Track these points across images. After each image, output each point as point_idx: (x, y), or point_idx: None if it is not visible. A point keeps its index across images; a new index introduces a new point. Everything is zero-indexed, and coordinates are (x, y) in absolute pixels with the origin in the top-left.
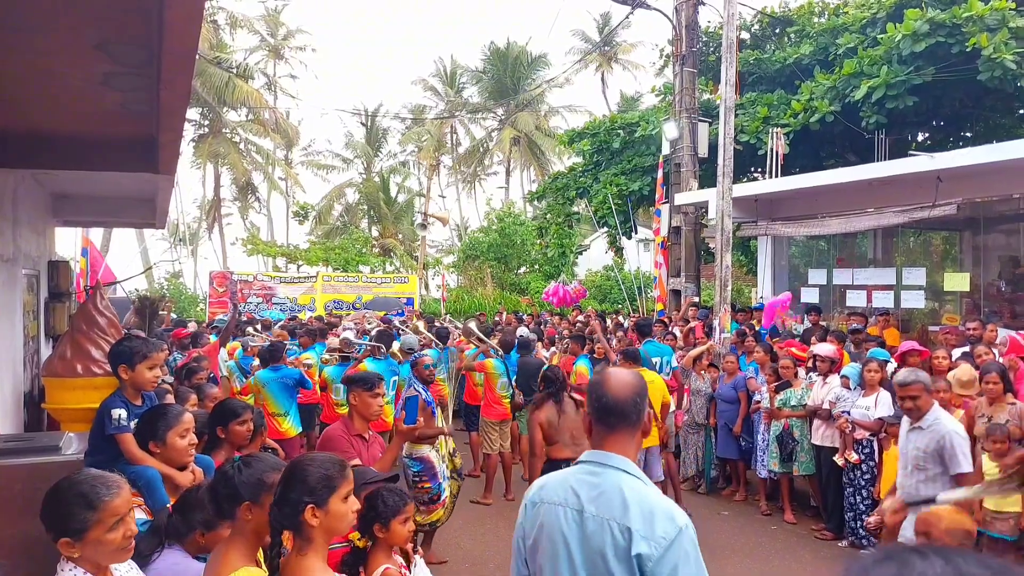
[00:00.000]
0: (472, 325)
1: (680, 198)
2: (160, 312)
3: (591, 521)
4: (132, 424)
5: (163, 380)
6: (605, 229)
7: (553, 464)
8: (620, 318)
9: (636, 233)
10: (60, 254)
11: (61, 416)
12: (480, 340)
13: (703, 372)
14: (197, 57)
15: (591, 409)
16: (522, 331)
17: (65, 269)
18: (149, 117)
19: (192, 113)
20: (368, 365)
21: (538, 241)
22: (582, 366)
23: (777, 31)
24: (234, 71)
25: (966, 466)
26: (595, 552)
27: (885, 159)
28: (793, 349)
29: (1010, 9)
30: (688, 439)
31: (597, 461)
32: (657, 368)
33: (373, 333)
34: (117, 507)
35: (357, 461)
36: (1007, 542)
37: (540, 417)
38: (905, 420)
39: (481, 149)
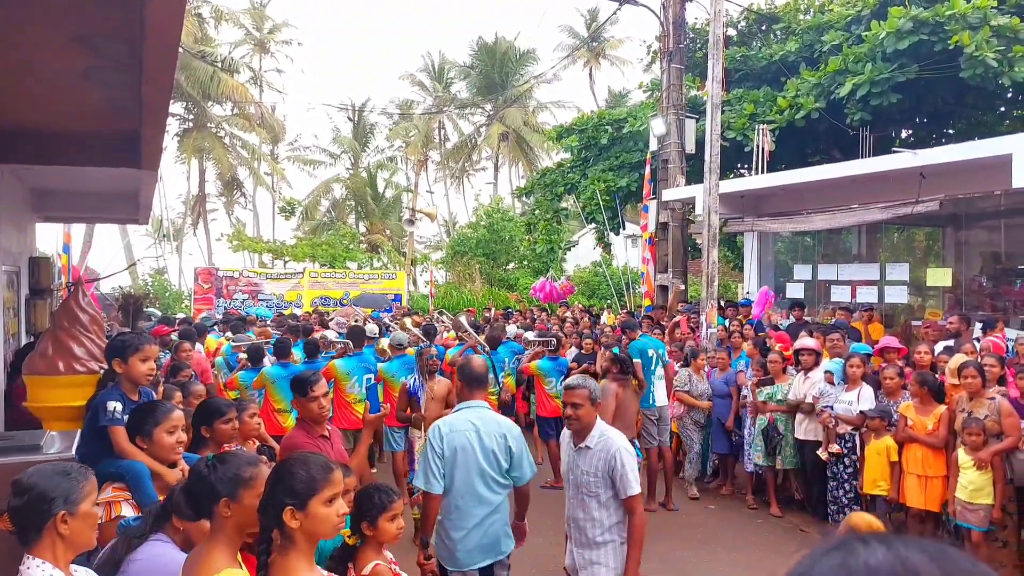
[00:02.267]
0: (463, 319)
1: (667, 194)
2: (145, 309)
3: (484, 435)
4: (126, 418)
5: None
6: (593, 225)
7: None
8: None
9: (624, 229)
10: (41, 250)
11: (42, 415)
12: (467, 335)
13: (701, 372)
14: (181, 51)
15: (463, 379)
16: (511, 328)
17: (46, 265)
18: (132, 112)
19: (176, 107)
20: (339, 364)
21: (526, 237)
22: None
23: (763, 28)
24: (219, 65)
25: (635, 487)
26: (488, 451)
27: (869, 156)
28: (779, 344)
29: (991, 8)
30: (693, 438)
31: (475, 406)
32: (652, 362)
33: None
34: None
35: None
36: (980, 532)
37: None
38: (567, 439)
39: (469, 145)
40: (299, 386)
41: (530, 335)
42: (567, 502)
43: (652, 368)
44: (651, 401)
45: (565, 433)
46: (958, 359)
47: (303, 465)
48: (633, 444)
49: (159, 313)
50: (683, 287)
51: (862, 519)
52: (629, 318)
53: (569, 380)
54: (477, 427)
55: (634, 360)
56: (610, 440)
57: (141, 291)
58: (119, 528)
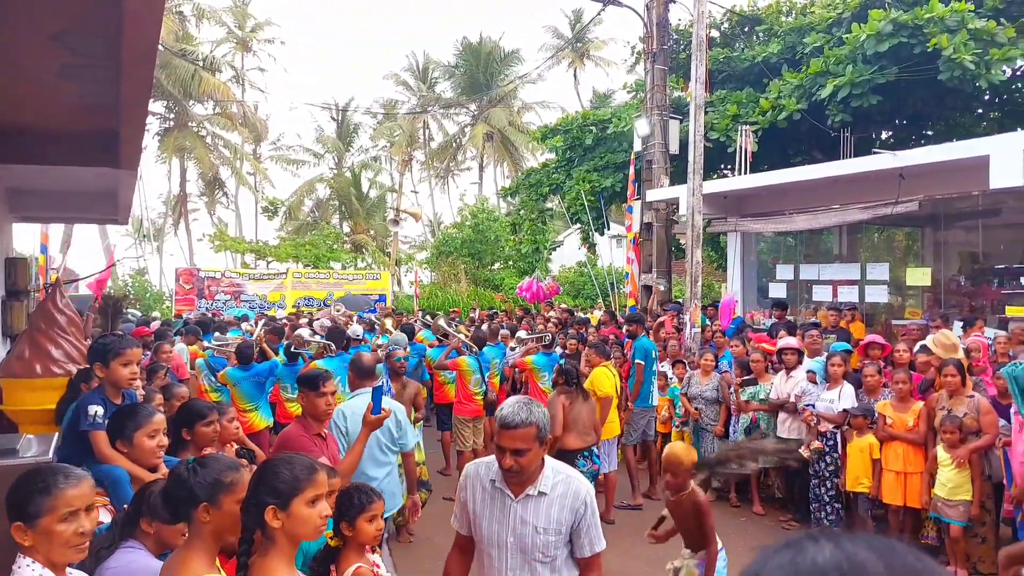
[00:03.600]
0: (441, 322)
1: (651, 195)
2: (124, 311)
3: None
4: (107, 422)
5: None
6: (578, 225)
7: (562, 454)
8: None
9: (609, 229)
10: (19, 251)
11: (19, 418)
12: (446, 336)
13: (709, 375)
14: (161, 49)
15: (354, 371)
16: (509, 332)
17: (23, 266)
18: (110, 110)
19: (156, 106)
20: (319, 364)
21: (512, 237)
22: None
23: (746, 30)
24: (200, 64)
25: (603, 539)
26: (383, 424)
27: (850, 157)
28: (764, 344)
29: (969, 11)
30: (706, 442)
31: (367, 391)
32: (654, 362)
33: (325, 330)
34: (71, 498)
35: (324, 460)
36: (959, 527)
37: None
38: (478, 484)
39: (454, 145)
40: (310, 381)
41: (522, 333)
42: (489, 573)
43: (652, 368)
44: (649, 401)
45: (474, 473)
46: (947, 333)
47: (287, 465)
48: (591, 454)
49: (139, 314)
50: (663, 288)
51: (677, 448)
52: (610, 319)
53: (506, 412)
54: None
55: (637, 361)
56: (574, 481)
57: (120, 292)
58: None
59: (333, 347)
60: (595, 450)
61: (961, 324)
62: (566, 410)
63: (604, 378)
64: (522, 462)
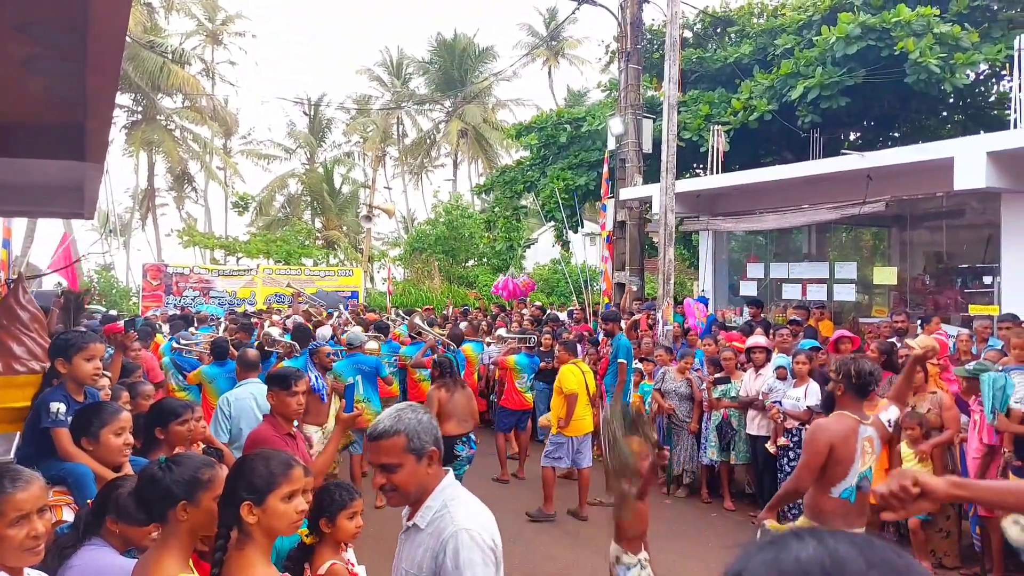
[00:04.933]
0: (416, 320)
1: (625, 193)
2: (86, 306)
3: (258, 398)
4: (70, 419)
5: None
6: (552, 223)
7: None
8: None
9: (583, 227)
10: None
11: None
12: (419, 333)
13: (687, 373)
14: (129, 40)
15: (240, 365)
16: (500, 332)
17: None
18: (76, 103)
19: (124, 99)
20: (285, 365)
21: (486, 234)
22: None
23: (718, 31)
24: (169, 56)
25: None
26: (263, 408)
27: (819, 157)
28: (736, 343)
29: (935, 16)
30: (681, 438)
31: (251, 382)
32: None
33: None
34: (20, 502)
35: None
36: (918, 520)
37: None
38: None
39: (428, 141)
40: (281, 380)
41: (503, 331)
42: None
43: (631, 366)
44: (627, 398)
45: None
46: (924, 339)
47: (263, 461)
48: (469, 439)
49: (103, 310)
50: (636, 286)
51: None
52: (582, 315)
53: (371, 425)
54: (254, 395)
55: (619, 360)
56: (447, 518)
57: (84, 287)
58: (57, 535)
59: (298, 347)
60: (472, 436)
61: (919, 322)
62: (443, 401)
63: (570, 375)
64: (395, 480)
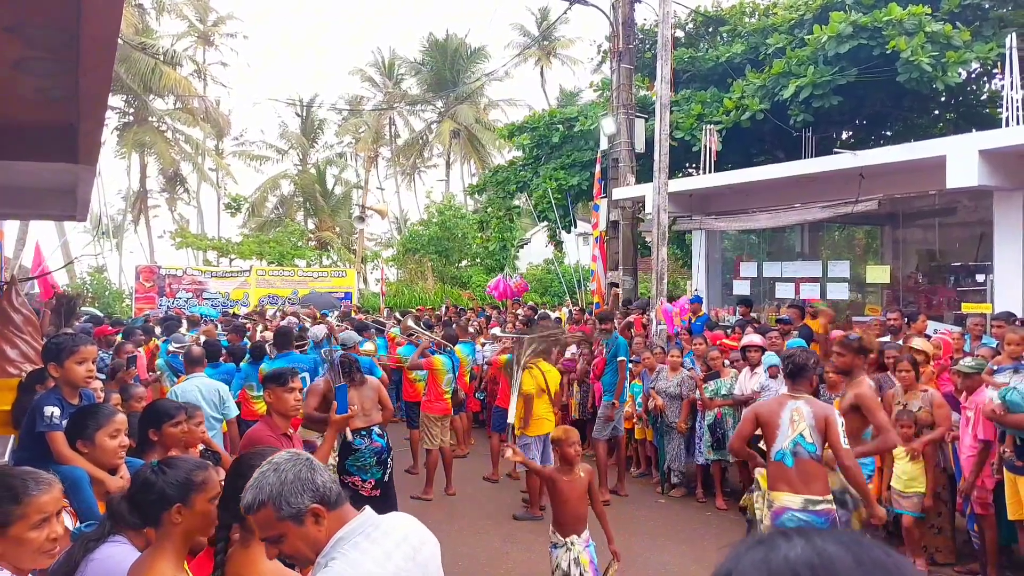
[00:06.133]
0: (410, 321)
1: (617, 193)
2: (78, 309)
3: (205, 391)
4: (64, 423)
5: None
6: (545, 223)
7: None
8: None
9: (575, 227)
10: None
11: None
12: (411, 335)
13: (677, 371)
14: (120, 42)
15: (187, 361)
16: (495, 331)
17: None
18: (68, 104)
19: (116, 100)
20: (264, 367)
21: (479, 235)
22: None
23: (710, 30)
24: (160, 57)
25: None
26: (210, 401)
27: (812, 156)
28: (726, 340)
29: (926, 15)
30: (672, 436)
31: (197, 376)
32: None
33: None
34: (44, 504)
35: None
36: (911, 518)
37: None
38: None
39: (420, 141)
40: (278, 377)
41: (496, 331)
42: None
43: (629, 364)
44: (624, 397)
45: None
46: (922, 343)
47: (262, 459)
48: (369, 432)
49: (99, 313)
50: (629, 286)
51: (558, 430)
52: (580, 315)
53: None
54: (199, 387)
55: (619, 358)
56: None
57: (76, 290)
58: (72, 536)
59: (274, 351)
60: (375, 429)
61: (905, 320)
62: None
63: (527, 376)
64: (285, 551)
